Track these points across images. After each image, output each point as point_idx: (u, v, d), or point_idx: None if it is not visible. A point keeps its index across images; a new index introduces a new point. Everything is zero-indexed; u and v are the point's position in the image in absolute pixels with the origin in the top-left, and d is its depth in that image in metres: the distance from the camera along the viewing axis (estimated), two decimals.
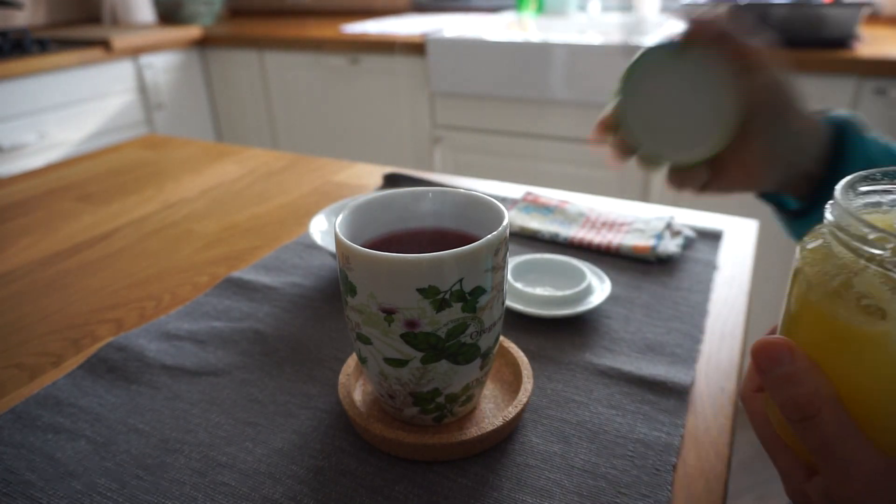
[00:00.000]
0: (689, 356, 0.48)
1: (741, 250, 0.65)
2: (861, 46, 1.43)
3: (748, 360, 0.33)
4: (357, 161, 0.96)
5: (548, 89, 1.66)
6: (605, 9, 2.12)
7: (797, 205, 0.51)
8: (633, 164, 0.50)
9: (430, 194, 0.42)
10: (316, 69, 2.03)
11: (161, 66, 2.09)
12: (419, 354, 0.36)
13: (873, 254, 0.24)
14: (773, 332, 0.32)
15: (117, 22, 2.37)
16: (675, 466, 0.38)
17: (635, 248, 0.62)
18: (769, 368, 0.27)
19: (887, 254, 0.23)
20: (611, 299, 0.56)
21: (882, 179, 0.27)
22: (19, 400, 0.45)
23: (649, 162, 0.45)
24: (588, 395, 0.44)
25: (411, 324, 0.34)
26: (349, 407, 0.41)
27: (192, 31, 2.15)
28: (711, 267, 0.61)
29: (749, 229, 0.69)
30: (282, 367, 0.48)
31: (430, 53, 1.77)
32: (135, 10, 2.35)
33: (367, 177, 0.88)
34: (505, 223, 0.36)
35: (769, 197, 0.54)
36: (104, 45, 1.88)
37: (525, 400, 0.41)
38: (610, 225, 0.67)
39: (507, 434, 0.41)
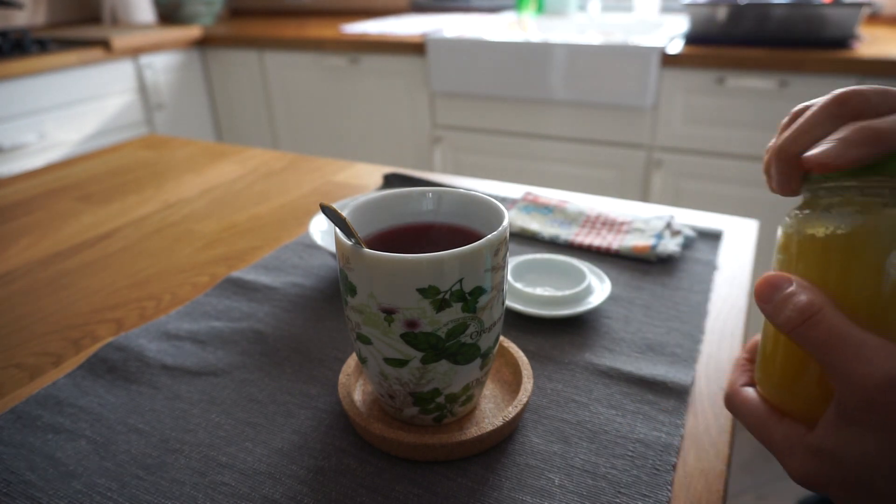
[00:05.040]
0: (689, 356, 0.48)
1: (741, 250, 0.65)
2: (861, 46, 1.43)
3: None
4: (357, 161, 0.96)
5: (548, 89, 1.66)
6: (605, 9, 2.12)
7: None
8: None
9: (430, 194, 0.42)
10: (316, 69, 2.03)
11: (161, 66, 2.09)
12: (419, 354, 0.36)
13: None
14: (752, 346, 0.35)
15: (117, 22, 2.37)
16: (674, 466, 0.38)
17: (635, 248, 0.62)
18: (772, 295, 0.29)
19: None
20: (611, 299, 0.56)
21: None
22: (19, 400, 0.45)
23: None
24: (588, 395, 0.44)
25: (411, 324, 0.34)
26: (349, 407, 0.41)
27: (192, 31, 2.15)
28: (711, 267, 0.61)
29: (749, 229, 0.69)
30: (282, 367, 0.48)
31: (430, 53, 1.77)
32: (135, 10, 2.35)
33: (367, 177, 0.88)
34: (505, 223, 0.36)
35: None
36: (104, 45, 1.88)
37: (525, 400, 0.41)
38: (610, 224, 0.67)
39: (507, 434, 0.41)
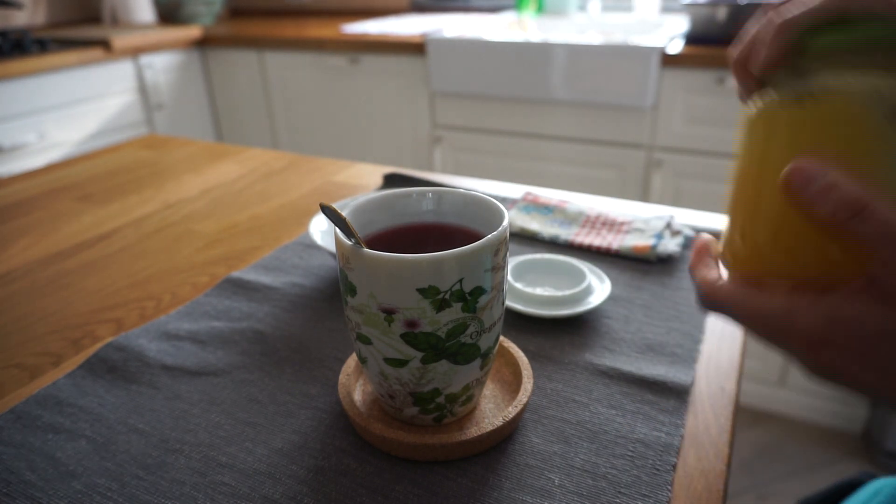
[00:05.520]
0: (689, 356, 0.48)
1: None
2: None
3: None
4: (357, 161, 0.96)
5: (548, 89, 1.66)
6: (605, 9, 2.12)
7: None
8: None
9: (431, 194, 0.42)
10: (316, 69, 2.03)
11: (161, 66, 2.09)
12: (419, 354, 0.36)
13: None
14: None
15: (117, 22, 2.37)
16: (675, 466, 0.38)
17: (635, 248, 0.62)
18: (806, 185, 0.27)
19: None
20: (611, 299, 0.56)
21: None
22: (19, 400, 0.45)
23: None
24: (588, 395, 0.44)
25: (411, 324, 0.34)
26: (349, 407, 0.41)
27: (192, 31, 2.15)
28: None
29: None
30: (282, 367, 0.48)
31: (430, 53, 1.77)
32: (135, 10, 2.35)
33: (367, 177, 0.88)
34: (505, 223, 0.36)
35: None
36: (104, 45, 1.88)
37: (525, 400, 0.41)
38: (610, 225, 0.67)
39: (507, 434, 0.41)
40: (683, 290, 0.57)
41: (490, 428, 0.39)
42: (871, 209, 0.26)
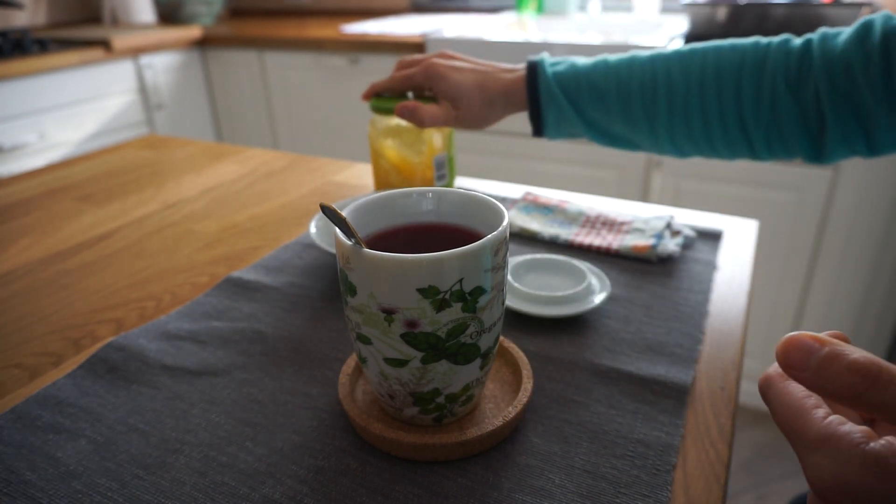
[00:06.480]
0: (689, 356, 0.48)
1: (741, 250, 0.65)
2: None
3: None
4: (357, 161, 0.96)
5: None
6: (605, 9, 2.12)
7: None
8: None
9: (431, 194, 0.42)
10: (316, 69, 2.03)
11: (161, 66, 2.09)
12: (419, 354, 0.36)
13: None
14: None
15: (117, 22, 2.37)
16: (674, 466, 0.39)
17: (635, 248, 0.62)
18: (804, 359, 0.25)
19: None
20: (611, 299, 0.56)
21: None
22: (19, 400, 0.45)
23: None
24: (588, 395, 0.44)
25: (411, 324, 0.34)
26: (349, 407, 0.41)
27: (192, 32, 2.15)
28: (711, 267, 0.61)
29: (749, 229, 0.69)
30: (282, 367, 0.48)
31: (430, 53, 1.77)
32: (135, 11, 2.35)
33: (367, 177, 0.88)
34: (505, 223, 0.36)
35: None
36: (104, 45, 1.88)
37: (525, 400, 0.41)
38: (610, 225, 0.67)
39: (507, 434, 0.41)
40: (683, 290, 0.57)
41: (490, 428, 0.39)
42: (887, 373, 0.23)
